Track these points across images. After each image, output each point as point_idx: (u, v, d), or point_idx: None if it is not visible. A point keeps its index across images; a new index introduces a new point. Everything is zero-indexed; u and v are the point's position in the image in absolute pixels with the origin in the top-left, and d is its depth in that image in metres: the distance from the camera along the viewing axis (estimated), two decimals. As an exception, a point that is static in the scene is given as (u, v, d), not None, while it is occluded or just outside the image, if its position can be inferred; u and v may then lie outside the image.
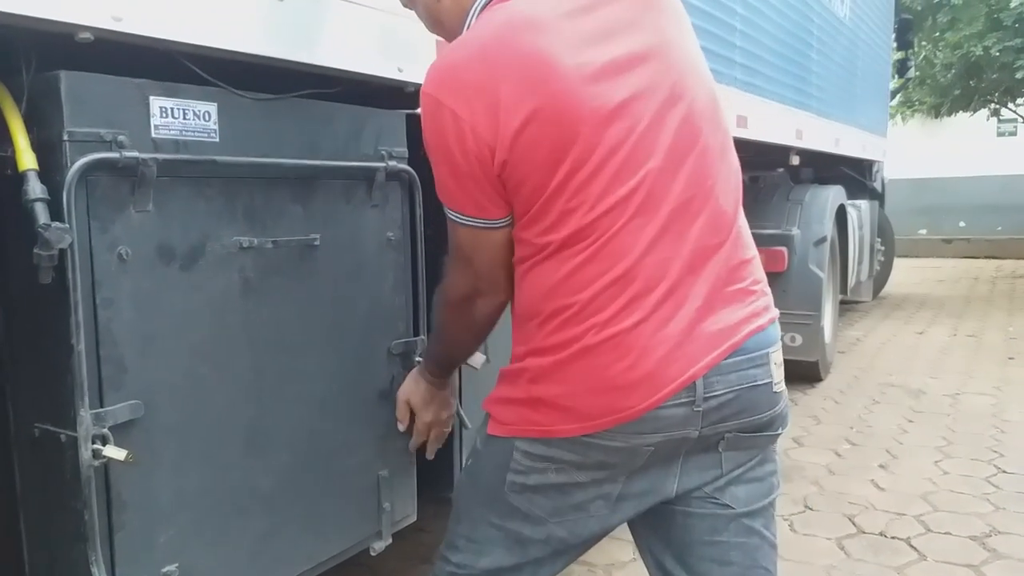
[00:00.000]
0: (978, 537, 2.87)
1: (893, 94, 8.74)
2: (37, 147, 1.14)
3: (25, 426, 1.28)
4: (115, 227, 1.20)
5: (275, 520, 1.47)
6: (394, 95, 1.64)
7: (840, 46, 5.27)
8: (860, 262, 6.15)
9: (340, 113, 1.56)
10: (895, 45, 7.87)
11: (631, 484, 1.26)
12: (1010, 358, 5.75)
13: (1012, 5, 9.82)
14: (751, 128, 3.70)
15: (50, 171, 1.14)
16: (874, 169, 7.24)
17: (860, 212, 6.08)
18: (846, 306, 7.41)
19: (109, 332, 1.20)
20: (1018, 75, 9.96)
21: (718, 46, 3.38)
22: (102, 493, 1.20)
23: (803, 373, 5.01)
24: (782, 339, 4.55)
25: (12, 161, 1.14)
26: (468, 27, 1.26)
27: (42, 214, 1.10)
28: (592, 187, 1.15)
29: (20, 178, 1.12)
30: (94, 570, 1.18)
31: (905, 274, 10.45)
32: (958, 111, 12.20)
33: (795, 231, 4.68)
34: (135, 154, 1.19)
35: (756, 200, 4.91)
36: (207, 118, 1.31)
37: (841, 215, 5.35)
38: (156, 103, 1.24)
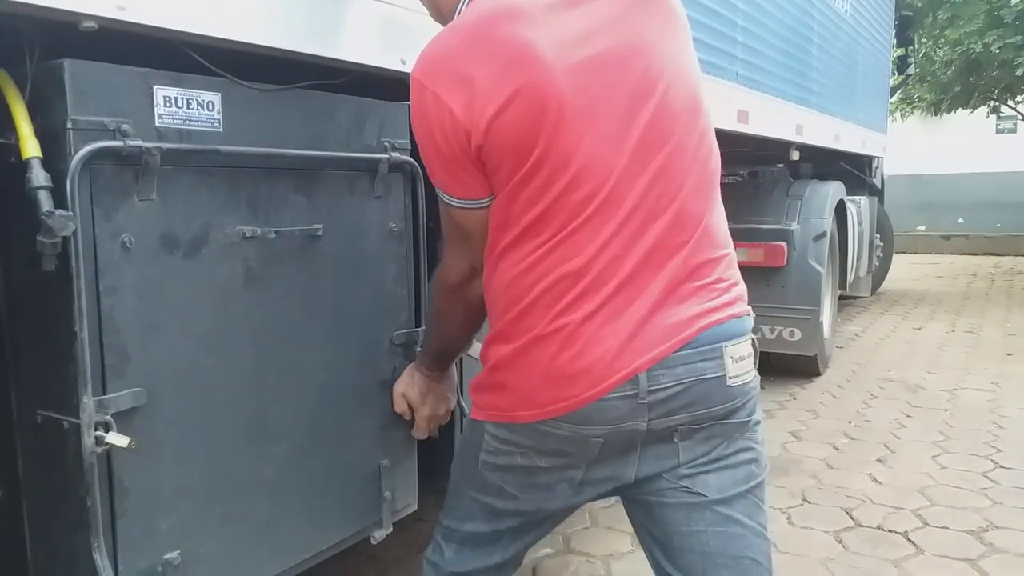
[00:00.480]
0: (975, 531, 2.88)
1: (893, 90, 8.73)
2: (41, 135, 1.15)
3: (28, 413, 1.29)
4: (118, 215, 1.21)
5: (277, 508, 1.48)
6: (397, 87, 1.64)
7: (840, 42, 5.27)
8: (859, 258, 6.16)
9: (343, 104, 1.56)
10: (895, 42, 7.86)
11: (592, 472, 1.30)
12: (1008, 354, 5.76)
13: (1012, 2, 9.81)
14: (751, 123, 3.70)
15: (54, 159, 1.14)
16: (874, 165, 7.25)
17: (859, 208, 6.09)
18: (845, 301, 7.42)
19: (112, 320, 1.20)
20: (1018, 72, 9.94)
21: (719, 41, 3.38)
22: (104, 480, 1.21)
23: (802, 368, 5.02)
24: (780, 333, 4.53)
25: (16, 149, 1.14)
26: (458, 15, 1.28)
27: (46, 202, 1.11)
28: (558, 180, 1.17)
29: (24, 166, 1.13)
30: (96, 557, 1.19)
31: (904, 270, 10.47)
32: (958, 108, 12.18)
33: (795, 226, 4.68)
34: (139, 143, 1.20)
35: (756, 195, 4.91)
36: (211, 108, 1.31)
37: (841, 211, 5.35)
38: (160, 92, 1.24)
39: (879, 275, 7.95)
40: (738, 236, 5.18)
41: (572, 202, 1.18)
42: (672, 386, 1.20)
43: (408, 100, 1.57)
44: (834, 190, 5.05)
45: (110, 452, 1.20)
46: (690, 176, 1.24)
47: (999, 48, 10.07)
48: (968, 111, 12.38)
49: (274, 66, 1.42)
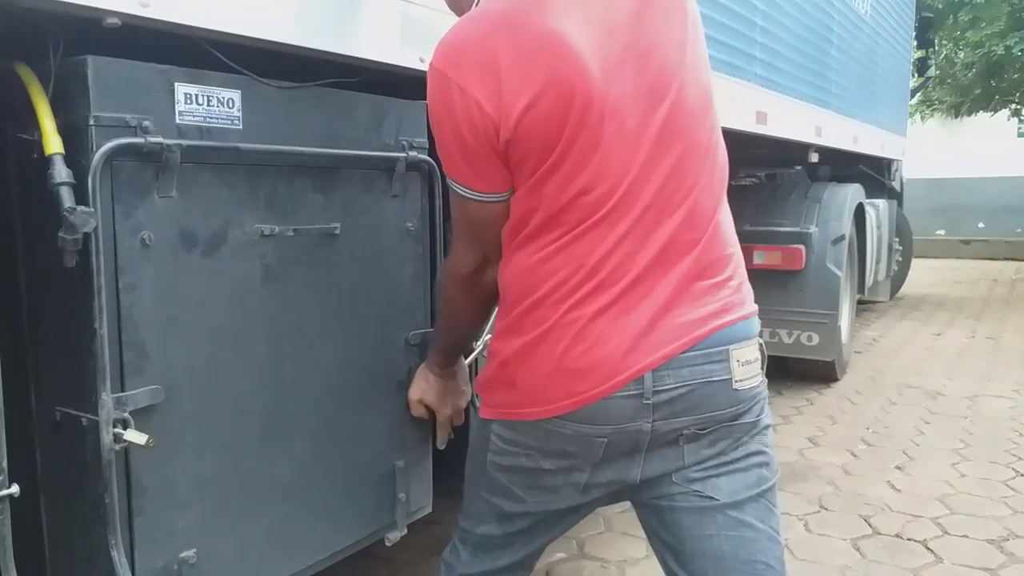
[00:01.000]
0: (995, 541, 2.84)
1: (913, 93, 8.66)
2: (63, 131, 1.15)
3: (47, 410, 1.29)
4: (139, 212, 1.21)
5: (292, 508, 1.47)
6: (415, 85, 1.64)
7: (860, 43, 5.22)
8: (878, 262, 6.10)
9: (362, 102, 1.56)
10: (915, 43, 7.79)
11: (596, 475, 1.30)
12: (1029, 361, 5.70)
13: (1035, 4, 9.72)
14: (770, 125, 3.68)
15: (76, 155, 1.15)
16: (893, 168, 7.19)
17: (878, 211, 6.03)
18: (863, 306, 7.36)
19: (131, 317, 1.21)
20: (1040, 75, 9.86)
21: (738, 42, 3.36)
22: (122, 477, 1.21)
23: (819, 373, 4.98)
24: (798, 337, 4.50)
25: (39, 145, 1.14)
26: (477, 3, 1.27)
27: (67, 198, 1.11)
28: (579, 176, 1.17)
29: (46, 162, 1.13)
30: (113, 554, 1.19)
31: (923, 275, 10.38)
32: (978, 111, 12.08)
33: (813, 229, 4.64)
34: (159, 140, 1.20)
35: (774, 197, 4.88)
36: (231, 105, 1.31)
37: (859, 214, 5.31)
38: (181, 89, 1.24)
39: (898, 279, 7.88)
40: (756, 238, 5.15)
41: (591, 199, 1.18)
42: (677, 387, 1.19)
43: (426, 99, 1.57)
44: (853, 193, 5.01)
45: (128, 449, 1.20)
46: (702, 174, 1.24)
47: (1021, 51, 9.97)
48: (989, 114, 12.27)
49: (293, 64, 1.42)
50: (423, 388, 1.65)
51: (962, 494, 3.28)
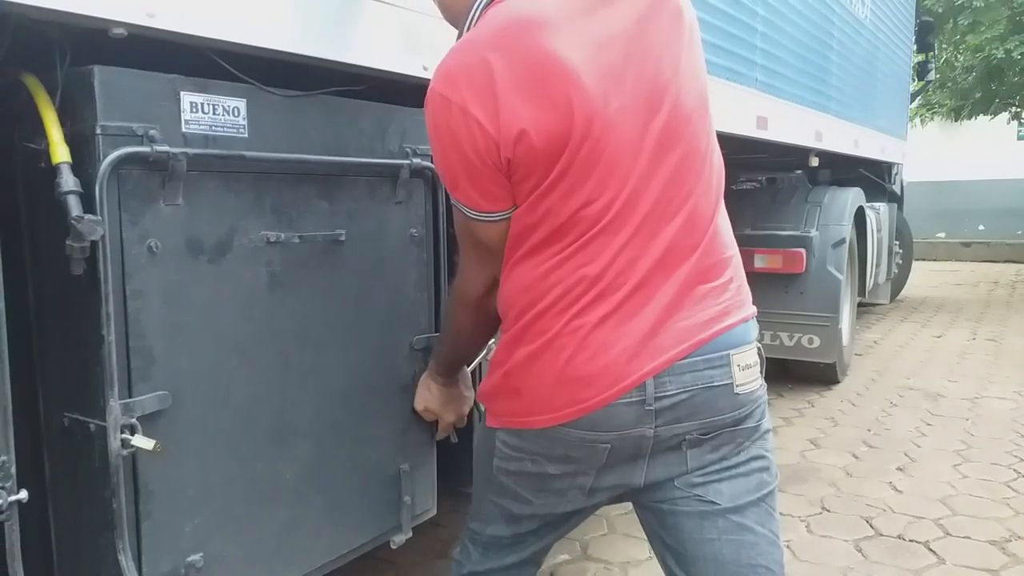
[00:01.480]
0: (997, 542, 2.85)
1: (913, 97, 8.67)
2: (70, 140, 1.16)
3: (55, 415, 1.30)
4: (145, 220, 1.22)
5: (298, 512, 1.48)
6: (419, 93, 1.65)
7: (860, 48, 5.24)
8: (878, 264, 6.11)
9: (366, 110, 1.57)
10: (915, 47, 7.81)
11: (601, 479, 1.31)
12: (1030, 363, 5.70)
13: (1035, 7, 9.73)
14: (771, 129, 3.69)
15: (83, 164, 1.16)
16: (893, 172, 7.19)
17: (879, 214, 6.04)
18: (864, 308, 7.36)
19: (138, 323, 1.22)
20: (1040, 78, 9.87)
21: (739, 47, 3.37)
22: (129, 482, 1.22)
23: (820, 375, 4.99)
24: (799, 340, 4.51)
25: (46, 154, 1.16)
26: (471, 23, 1.27)
27: (75, 206, 1.12)
28: (580, 189, 1.18)
29: (53, 171, 1.14)
30: (121, 558, 1.20)
31: (923, 277, 10.38)
32: (978, 114, 12.08)
33: (814, 233, 4.65)
34: (166, 148, 1.21)
35: (775, 201, 4.89)
36: (236, 114, 1.32)
37: (860, 217, 5.32)
38: (187, 98, 1.26)
39: (898, 282, 7.88)
40: (757, 242, 5.16)
41: (592, 211, 1.19)
42: (678, 393, 1.20)
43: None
44: (853, 196, 5.02)
45: (135, 455, 1.21)
46: (700, 179, 1.25)
47: (1021, 54, 9.98)
48: (989, 117, 12.28)
49: (297, 73, 1.44)
50: (426, 397, 1.67)
51: (964, 495, 3.28)
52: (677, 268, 1.21)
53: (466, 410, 1.70)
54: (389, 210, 1.63)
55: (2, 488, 1.07)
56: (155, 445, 1.18)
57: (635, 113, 1.19)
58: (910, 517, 3.08)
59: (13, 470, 1.09)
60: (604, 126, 1.16)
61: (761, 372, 1.30)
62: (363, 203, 1.58)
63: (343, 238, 1.52)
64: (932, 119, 14.02)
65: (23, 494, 1.11)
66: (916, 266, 8.82)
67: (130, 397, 1.20)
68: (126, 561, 1.20)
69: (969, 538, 2.89)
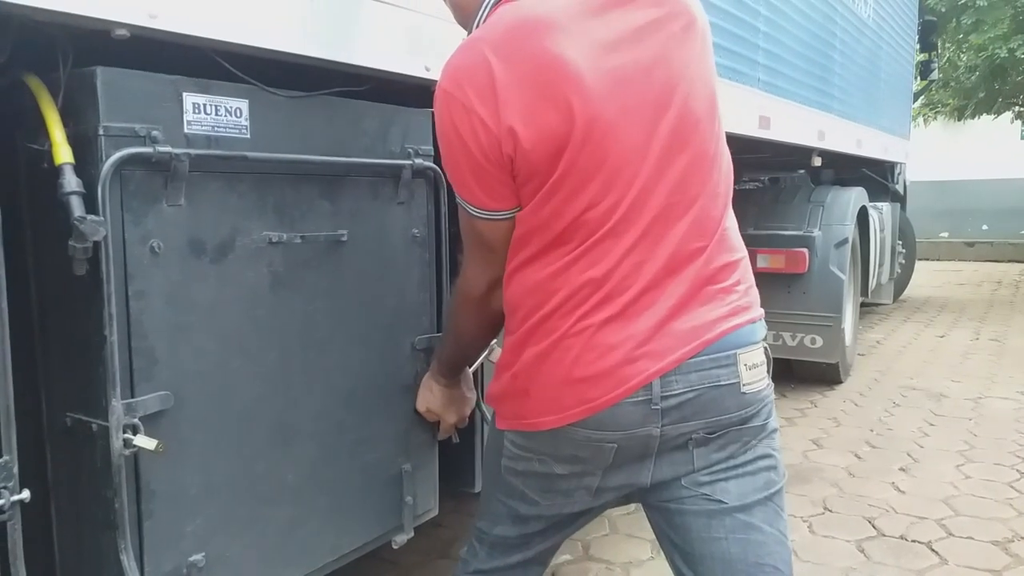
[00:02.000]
0: (1000, 542, 2.85)
1: (916, 96, 8.66)
2: (73, 141, 1.16)
3: (57, 415, 1.31)
4: (148, 220, 1.22)
5: (300, 512, 1.49)
6: (421, 93, 1.65)
7: (863, 47, 5.23)
8: (881, 264, 6.11)
9: (368, 111, 1.57)
10: (918, 47, 7.80)
11: (607, 479, 1.31)
12: (1033, 363, 5.69)
13: (1038, 7, 9.71)
14: (773, 129, 3.69)
15: (85, 165, 1.16)
16: (896, 171, 7.19)
17: (882, 214, 6.04)
18: (866, 308, 7.36)
19: (140, 324, 1.22)
20: (1043, 77, 9.84)
21: (741, 47, 3.37)
22: (132, 482, 1.22)
23: (823, 375, 4.99)
24: (802, 340, 4.50)
25: (49, 155, 1.16)
26: (479, 22, 1.28)
27: (78, 207, 1.12)
28: (584, 191, 1.18)
29: (56, 171, 1.14)
30: (123, 558, 1.20)
31: (926, 277, 10.37)
32: (982, 113, 12.06)
33: (816, 233, 4.65)
34: (168, 149, 1.21)
35: (777, 201, 4.88)
36: (239, 114, 1.33)
37: (863, 217, 5.31)
38: (189, 99, 1.26)
39: (901, 282, 7.88)
40: (759, 242, 5.16)
41: (598, 213, 1.19)
42: (685, 392, 1.20)
43: (431, 107, 1.59)
44: (856, 196, 5.01)
45: (137, 455, 1.21)
46: (708, 182, 1.25)
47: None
48: (992, 116, 12.26)
49: (299, 73, 1.44)
50: (428, 398, 1.67)
51: (966, 496, 3.28)
52: (684, 270, 1.22)
53: (468, 411, 1.71)
54: (391, 210, 1.64)
55: (4, 488, 1.08)
56: (157, 445, 1.19)
57: (641, 116, 1.19)
58: (913, 517, 3.07)
59: (16, 470, 1.09)
60: (607, 128, 1.16)
61: (768, 372, 1.30)
62: (365, 203, 1.58)
63: (345, 238, 1.52)
64: (935, 118, 14.00)
65: (25, 494, 1.11)
66: (919, 266, 8.81)
67: (132, 397, 1.21)
68: (128, 561, 1.20)
69: (972, 538, 2.89)
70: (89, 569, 1.30)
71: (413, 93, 1.62)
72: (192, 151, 1.25)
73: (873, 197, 5.83)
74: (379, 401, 1.64)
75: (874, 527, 3.00)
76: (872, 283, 5.82)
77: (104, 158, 1.15)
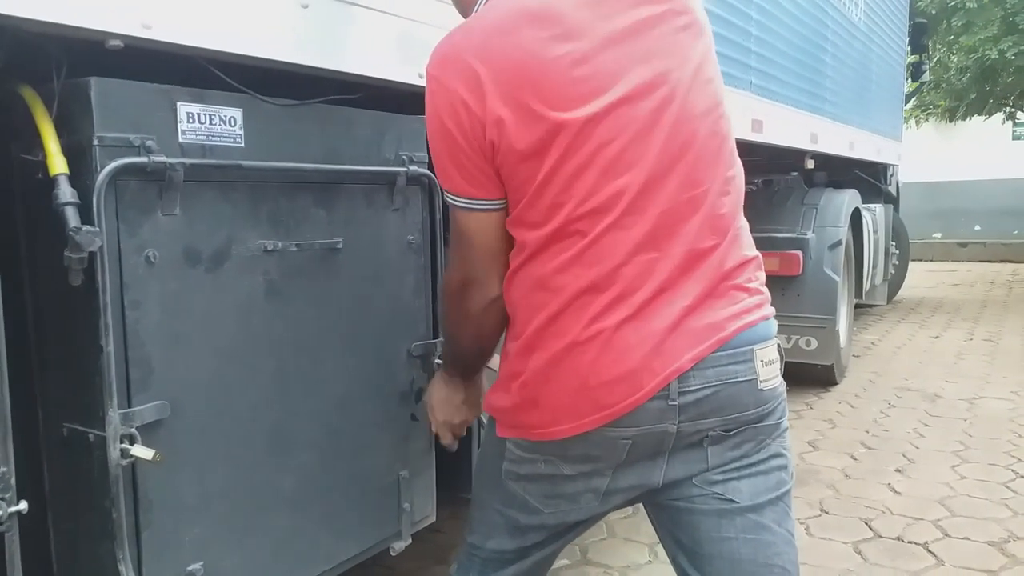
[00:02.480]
0: (996, 543, 2.86)
1: (907, 98, 8.70)
2: (67, 152, 1.17)
3: (54, 426, 1.30)
4: (143, 230, 1.23)
5: (297, 520, 1.49)
6: (414, 100, 1.65)
7: (854, 50, 5.26)
8: (875, 266, 6.13)
9: (362, 118, 1.58)
10: (909, 49, 7.84)
11: (617, 479, 1.28)
12: (1027, 363, 5.71)
13: (1028, 8, 9.77)
14: (766, 132, 3.70)
15: (80, 175, 1.16)
16: (889, 173, 7.22)
17: (875, 216, 6.06)
18: (861, 310, 7.38)
19: (137, 333, 1.22)
20: (1034, 78, 9.90)
21: (733, 51, 3.39)
22: (129, 492, 1.22)
23: (818, 377, 4.99)
24: (797, 342, 4.50)
25: (43, 166, 1.16)
26: (478, 9, 1.28)
27: (73, 217, 1.13)
28: (580, 183, 1.17)
29: (51, 182, 1.15)
30: (121, 568, 1.20)
31: (920, 278, 10.40)
32: (973, 115, 12.13)
33: (810, 235, 4.66)
34: (163, 159, 1.21)
35: (771, 204, 4.90)
36: (233, 123, 1.33)
37: (856, 219, 5.33)
38: (183, 109, 1.26)
39: (895, 283, 7.90)
40: (753, 245, 5.03)
41: (599, 203, 1.17)
42: (702, 388, 1.18)
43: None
44: (849, 198, 5.04)
45: (135, 464, 1.21)
46: (716, 179, 1.24)
47: (1014, 54, 10.03)
48: (983, 117, 12.33)
49: (293, 82, 1.44)
50: (431, 388, 1.58)
51: (962, 496, 3.29)
52: (699, 267, 1.20)
53: (457, 420, 1.60)
54: (386, 217, 1.64)
55: (2, 499, 1.08)
56: (155, 455, 1.19)
57: (638, 111, 1.18)
58: (909, 519, 3.08)
59: (13, 481, 1.09)
60: (598, 123, 1.16)
61: (780, 368, 1.28)
62: (360, 211, 1.58)
63: (340, 246, 1.53)
64: (927, 120, 14.07)
65: (23, 505, 1.11)
66: (913, 267, 8.84)
67: (129, 407, 1.21)
68: (126, 571, 1.20)
69: (968, 539, 2.89)
70: (87, 579, 1.30)
71: (407, 100, 1.62)
72: (187, 160, 1.25)
73: (866, 199, 5.85)
74: (376, 408, 1.64)
75: (871, 529, 3.00)
76: (866, 284, 5.84)
77: (99, 168, 1.15)
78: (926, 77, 8.94)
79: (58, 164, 1.15)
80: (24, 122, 1.18)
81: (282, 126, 1.42)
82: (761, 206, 4.84)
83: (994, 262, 13.04)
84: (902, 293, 8.61)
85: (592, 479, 1.28)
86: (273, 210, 1.42)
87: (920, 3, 10.20)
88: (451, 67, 1.18)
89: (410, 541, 1.74)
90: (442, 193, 1.29)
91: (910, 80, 8.34)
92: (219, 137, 1.31)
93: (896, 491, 3.37)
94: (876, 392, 4.99)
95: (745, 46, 3.51)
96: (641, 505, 1.38)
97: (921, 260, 12.23)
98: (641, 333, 1.17)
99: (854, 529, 3.00)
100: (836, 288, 4.66)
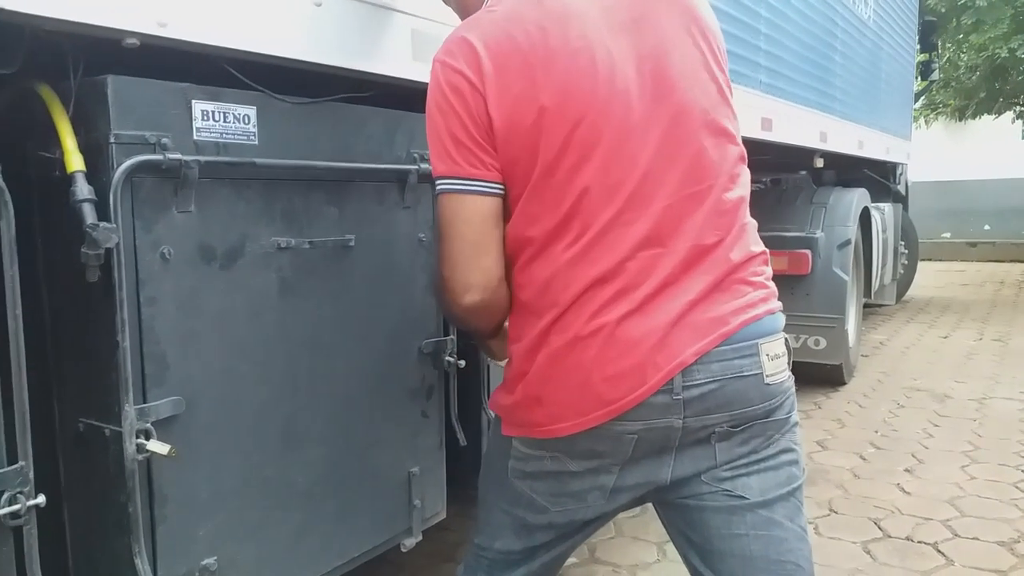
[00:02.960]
0: (1006, 543, 2.85)
1: (917, 97, 8.67)
2: (84, 149, 1.18)
3: (70, 421, 1.32)
4: (158, 227, 1.24)
5: (309, 515, 1.50)
6: (425, 98, 1.66)
7: (864, 49, 5.24)
8: (884, 265, 6.11)
9: (373, 116, 1.59)
10: (919, 47, 7.81)
11: (624, 477, 1.27)
12: (1037, 363, 5.68)
13: (1038, 7, 9.72)
14: (775, 131, 3.70)
15: (97, 173, 1.18)
16: (898, 172, 7.19)
17: (884, 215, 6.04)
18: (869, 309, 7.35)
19: (152, 329, 1.23)
20: (1044, 77, 9.85)
21: (743, 49, 3.38)
22: (144, 487, 1.24)
23: (827, 376, 4.98)
24: (805, 341, 4.47)
25: (60, 163, 1.17)
26: (487, 3, 1.29)
27: (90, 214, 1.14)
28: (580, 173, 1.17)
29: (68, 179, 1.16)
30: (137, 562, 1.21)
31: (929, 277, 10.36)
32: (983, 113, 12.06)
33: (819, 234, 4.65)
34: (178, 156, 1.23)
35: (779, 203, 4.89)
36: (247, 121, 1.34)
37: (865, 218, 5.31)
38: (198, 106, 1.27)
39: (904, 283, 7.88)
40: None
41: (600, 197, 1.17)
42: (707, 383, 1.18)
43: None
44: (858, 197, 5.02)
45: (150, 459, 1.23)
46: (720, 176, 1.24)
47: (1024, 53, 9.97)
48: (993, 116, 12.25)
49: (306, 80, 1.45)
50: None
51: (972, 496, 3.28)
52: (703, 263, 1.20)
53: None
54: (397, 215, 1.65)
55: (21, 493, 1.09)
56: (170, 450, 1.20)
57: (639, 105, 1.19)
58: (918, 518, 3.07)
59: (31, 475, 1.11)
60: (598, 113, 1.16)
61: (788, 364, 1.28)
62: (371, 208, 1.59)
63: (352, 243, 1.53)
64: (936, 119, 13.99)
65: (41, 499, 1.12)
66: (922, 266, 8.80)
67: (144, 402, 1.22)
68: (142, 564, 1.21)
69: (977, 539, 2.88)
70: (103, 573, 1.31)
71: (418, 98, 1.62)
72: (201, 158, 1.26)
73: (875, 198, 5.83)
74: (386, 404, 1.65)
75: (880, 528, 3.00)
76: (875, 284, 5.82)
77: (115, 166, 1.16)
78: (936, 76, 8.89)
79: (75, 161, 1.16)
80: (42, 120, 1.19)
81: (295, 124, 1.43)
82: (770, 205, 4.83)
83: (1004, 262, 12.96)
84: (911, 293, 8.58)
85: (599, 476, 1.27)
86: (286, 207, 1.43)
87: (930, 1, 10.14)
88: (455, 48, 1.20)
89: (420, 538, 1.75)
90: (436, 183, 1.23)
91: (919, 79, 8.32)
92: (233, 135, 1.32)
93: (905, 491, 3.36)
94: (885, 392, 4.98)
95: (755, 44, 3.50)
96: (650, 504, 1.37)
97: (930, 260, 12.17)
98: (644, 327, 1.17)
99: (863, 529, 3.00)
100: (845, 287, 4.65)
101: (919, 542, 2.87)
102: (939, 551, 2.80)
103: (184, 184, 1.25)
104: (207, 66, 1.31)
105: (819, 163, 4.80)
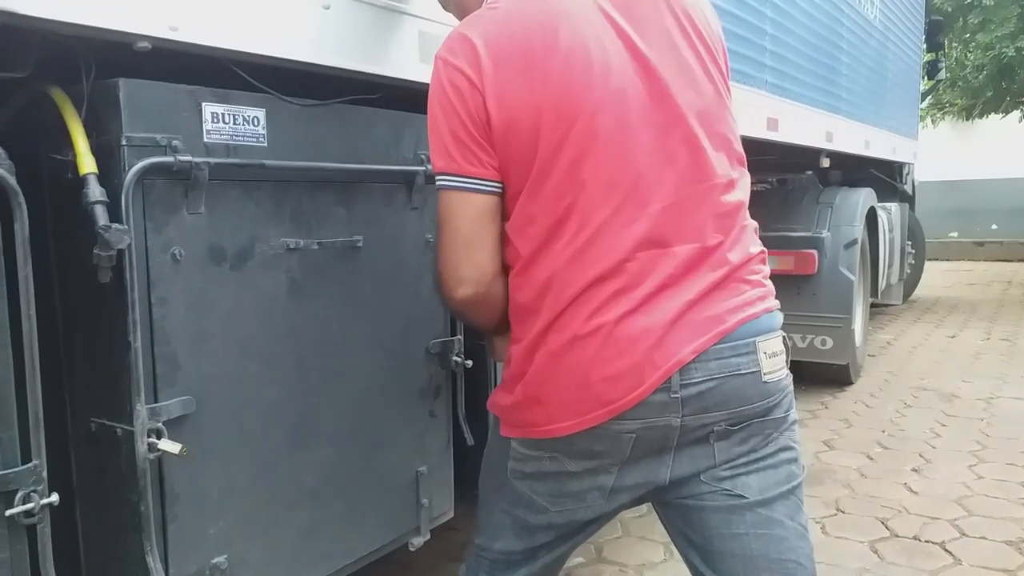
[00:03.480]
0: (1014, 542, 2.84)
1: (923, 96, 8.65)
2: (96, 151, 1.19)
3: (82, 420, 1.33)
4: (169, 228, 1.25)
5: (318, 514, 1.51)
6: (432, 100, 1.68)
7: (870, 48, 5.24)
8: (891, 265, 6.10)
9: (381, 118, 1.60)
10: (925, 47, 7.79)
11: (623, 477, 1.27)
12: (1045, 363, 5.67)
13: (1045, 6, 9.68)
14: (781, 131, 3.70)
15: (108, 175, 1.19)
16: (904, 171, 7.18)
17: (890, 215, 6.03)
18: (876, 309, 7.33)
19: (163, 330, 1.25)
20: (1051, 76, 9.81)
21: (748, 49, 3.39)
22: (156, 486, 1.25)
23: (833, 376, 4.97)
24: (812, 341, 4.45)
25: (73, 165, 1.19)
26: (488, 2, 1.29)
27: (102, 216, 1.15)
28: (577, 172, 1.17)
29: (80, 181, 1.17)
30: (149, 560, 1.23)
31: (936, 277, 10.33)
32: (990, 113, 12.01)
33: (825, 234, 4.65)
34: (188, 158, 1.24)
35: (786, 202, 4.89)
36: (256, 123, 1.35)
37: (871, 218, 5.30)
38: (208, 109, 1.28)
39: (911, 282, 7.85)
40: (768, 244, 5.14)
41: (597, 196, 1.17)
42: (705, 381, 1.18)
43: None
44: (864, 197, 5.01)
45: (161, 459, 1.24)
46: (720, 176, 1.24)
47: (1032, 52, 9.93)
48: (1000, 116, 12.20)
49: (315, 82, 1.46)
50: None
51: (979, 496, 3.27)
52: (700, 264, 1.20)
53: None
54: (405, 216, 1.66)
55: (34, 492, 1.10)
56: (181, 449, 1.21)
57: (635, 101, 1.19)
58: (926, 518, 3.07)
59: (44, 474, 1.12)
60: (594, 112, 1.17)
61: (787, 361, 1.28)
62: (380, 209, 1.60)
63: (360, 244, 1.55)
64: (943, 118, 13.94)
65: (54, 497, 1.13)
66: (929, 266, 8.78)
67: (156, 402, 1.23)
68: (154, 563, 1.22)
69: (985, 538, 2.88)
70: (115, 571, 1.33)
71: (425, 100, 1.63)
72: (212, 160, 1.27)
73: (882, 198, 5.82)
74: (394, 404, 1.66)
75: (887, 528, 2.99)
76: (882, 284, 5.81)
77: (127, 168, 1.18)
78: (942, 75, 8.87)
79: (87, 163, 1.18)
80: (54, 123, 1.21)
81: (304, 126, 1.44)
82: (776, 205, 4.83)
83: (1011, 261, 12.92)
84: (918, 292, 8.56)
85: (598, 476, 1.27)
86: (295, 209, 1.44)
87: (936, 0, 10.12)
88: (456, 46, 1.20)
89: (428, 537, 1.76)
90: (436, 179, 1.25)
91: (926, 78, 8.29)
92: (243, 137, 1.34)
93: (913, 490, 3.36)
94: (892, 392, 4.97)
95: (760, 44, 3.51)
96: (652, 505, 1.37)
97: (937, 259, 12.14)
98: (643, 326, 1.17)
99: (870, 528, 2.99)
100: (851, 287, 4.64)
101: (926, 541, 2.87)
102: (947, 550, 2.79)
103: (195, 186, 1.26)
104: (216, 69, 1.32)
105: (825, 163, 4.79)
